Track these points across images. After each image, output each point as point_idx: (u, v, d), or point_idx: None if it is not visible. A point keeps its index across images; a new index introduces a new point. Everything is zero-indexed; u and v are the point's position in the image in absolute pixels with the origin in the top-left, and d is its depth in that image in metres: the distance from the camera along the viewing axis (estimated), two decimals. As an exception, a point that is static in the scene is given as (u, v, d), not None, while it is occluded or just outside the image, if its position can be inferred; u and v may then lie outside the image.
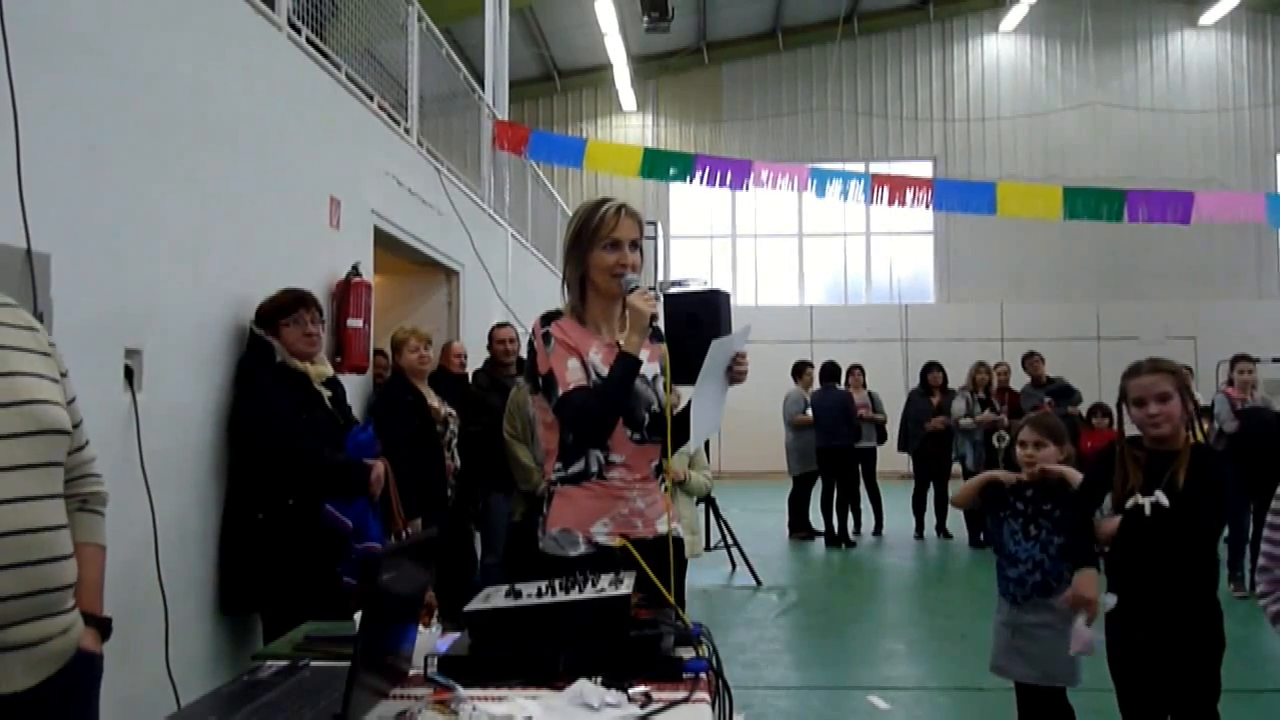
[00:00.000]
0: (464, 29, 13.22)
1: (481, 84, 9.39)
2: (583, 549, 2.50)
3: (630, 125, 19.25)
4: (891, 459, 11.07)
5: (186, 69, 3.69)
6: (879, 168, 16.87)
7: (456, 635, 2.07)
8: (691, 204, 18.90)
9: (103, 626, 1.83)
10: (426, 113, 7.09)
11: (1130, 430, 3.09)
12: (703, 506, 7.95)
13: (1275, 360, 12.97)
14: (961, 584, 8.20)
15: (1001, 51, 19.00)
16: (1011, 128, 18.71)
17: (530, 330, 2.63)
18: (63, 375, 1.81)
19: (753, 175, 9.91)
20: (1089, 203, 9.84)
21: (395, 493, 4.20)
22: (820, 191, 9.99)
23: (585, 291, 2.62)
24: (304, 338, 3.87)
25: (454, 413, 5.45)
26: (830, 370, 10.15)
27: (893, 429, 10.42)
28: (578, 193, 17.11)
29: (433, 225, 6.83)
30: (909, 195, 9.95)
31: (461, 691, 1.74)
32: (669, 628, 2.00)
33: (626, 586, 1.96)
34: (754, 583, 7.78)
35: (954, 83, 19.00)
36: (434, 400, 5.35)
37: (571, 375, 2.50)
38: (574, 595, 1.93)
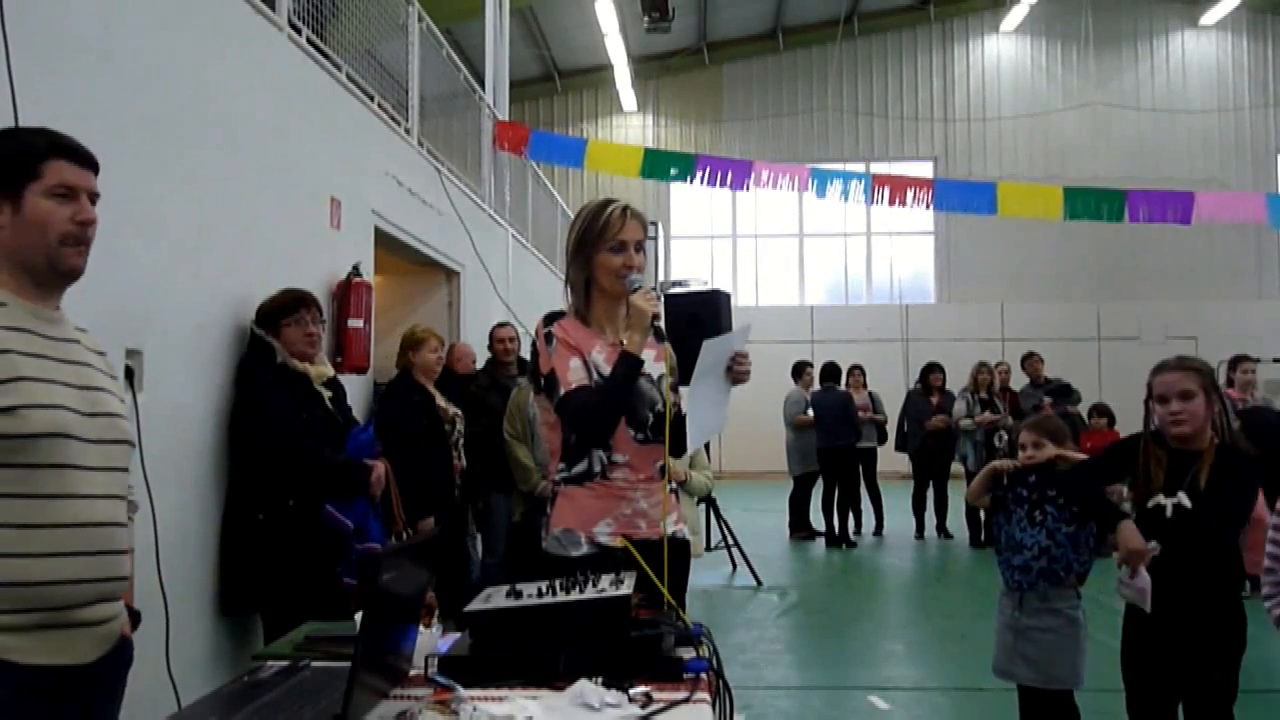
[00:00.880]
0: (464, 29, 13.23)
1: (482, 84, 9.40)
2: (585, 549, 2.50)
3: (631, 125, 19.26)
4: (892, 459, 11.07)
5: (187, 69, 3.69)
6: (879, 168, 16.87)
7: (457, 635, 2.07)
8: (692, 204, 18.90)
9: (134, 617, 2.06)
10: (427, 113, 7.09)
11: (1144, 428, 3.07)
12: (703, 507, 7.95)
13: (1276, 360, 12.95)
14: (962, 584, 8.20)
15: (1002, 51, 19.00)
16: (1012, 128, 18.71)
17: (533, 330, 2.63)
18: None
19: (753, 175, 9.90)
20: (1089, 203, 9.83)
21: (396, 493, 4.20)
22: (821, 192, 9.99)
23: (589, 292, 2.62)
24: (305, 338, 3.87)
25: (460, 413, 5.44)
26: (831, 370, 10.14)
27: (892, 429, 10.42)
28: (578, 193, 17.12)
29: (433, 225, 6.83)
30: (909, 195, 9.95)
31: (462, 692, 1.74)
32: (669, 628, 2.00)
33: (627, 587, 1.96)
34: (754, 583, 7.78)
35: (954, 83, 19.00)
36: (441, 400, 5.34)
37: (573, 375, 2.50)
38: (574, 595, 1.93)
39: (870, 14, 18.78)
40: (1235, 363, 7.42)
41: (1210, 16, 18.31)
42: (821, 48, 18.93)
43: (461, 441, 5.40)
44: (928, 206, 10.17)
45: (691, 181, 9.98)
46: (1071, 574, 3.38)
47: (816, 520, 10.07)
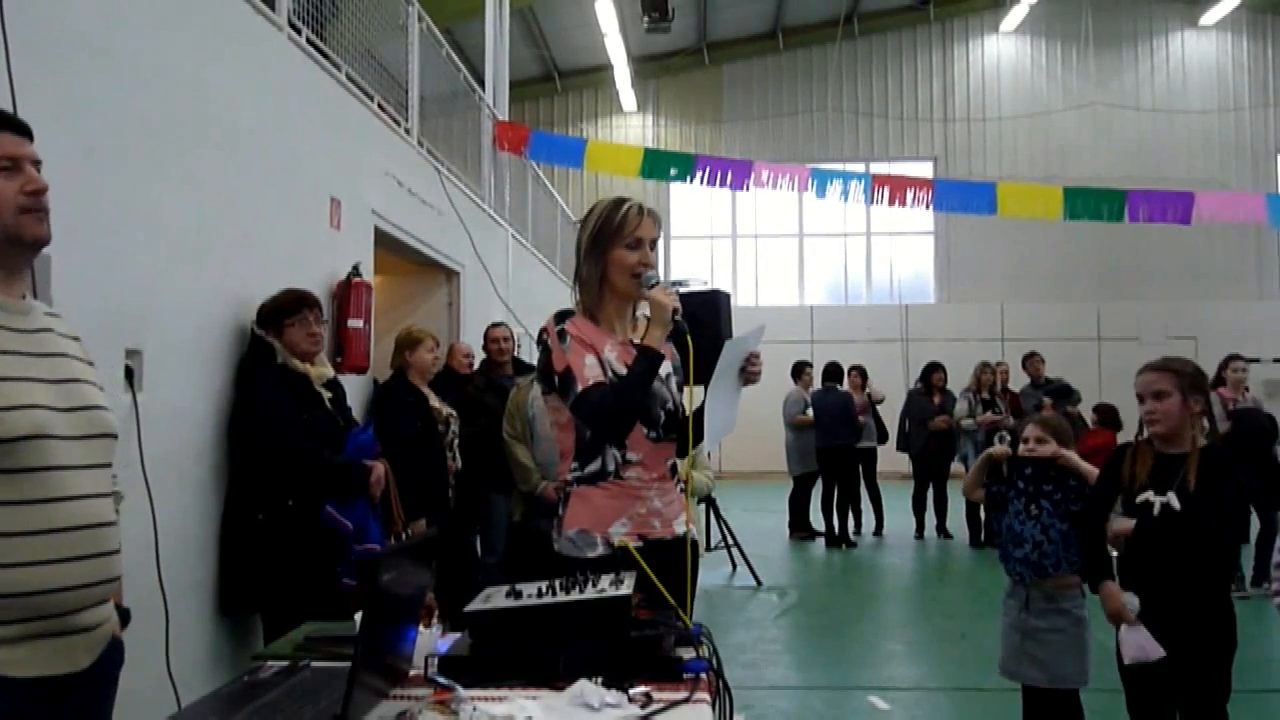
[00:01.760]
0: (464, 29, 13.23)
1: (482, 84, 9.40)
2: (600, 550, 2.48)
3: (630, 125, 19.25)
4: (892, 459, 11.07)
5: (187, 69, 3.69)
6: (879, 168, 16.87)
7: (457, 636, 2.07)
8: (692, 204, 18.89)
9: (124, 615, 2.00)
10: (427, 113, 7.09)
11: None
12: (704, 507, 7.95)
13: (1276, 360, 12.96)
14: (962, 584, 8.20)
15: (1002, 52, 19.00)
16: (1012, 128, 18.71)
17: (541, 329, 2.62)
18: None
19: (753, 175, 9.90)
20: (1089, 203, 9.83)
21: (395, 494, 4.20)
22: (820, 192, 9.99)
23: (601, 290, 2.60)
24: (308, 337, 3.87)
25: (454, 413, 5.44)
26: (833, 370, 10.14)
27: (892, 428, 10.41)
28: (578, 193, 17.12)
29: (433, 226, 6.83)
30: (909, 195, 9.95)
31: (462, 692, 1.74)
32: (669, 628, 2.00)
33: (627, 587, 1.96)
34: (754, 583, 7.78)
35: (954, 83, 19.00)
36: (435, 401, 5.34)
37: (589, 372, 2.48)
38: (574, 596, 1.93)
39: (870, 14, 18.78)
40: (1226, 362, 7.39)
41: (1210, 16, 18.30)
42: (821, 48, 18.93)
43: (456, 442, 5.40)
44: (928, 206, 10.18)
45: (691, 182, 9.99)
46: (1061, 571, 3.37)
47: (816, 520, 10.07)
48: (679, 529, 2.54)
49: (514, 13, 11.66)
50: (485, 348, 6.30)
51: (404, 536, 4.35)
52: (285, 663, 2.00)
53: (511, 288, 8.77)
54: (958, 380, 10.13)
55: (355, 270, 5.09)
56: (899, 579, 8.55)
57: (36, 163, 1.82)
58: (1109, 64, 18.68)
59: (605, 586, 1.96)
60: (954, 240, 18.33)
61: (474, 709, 1.65)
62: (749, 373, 2.55)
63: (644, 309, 2.63)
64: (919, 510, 10.20)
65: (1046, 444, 3.48)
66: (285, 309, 3.87)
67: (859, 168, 16.92)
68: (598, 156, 10.67)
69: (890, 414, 10.45)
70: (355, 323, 5.02)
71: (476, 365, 6.38)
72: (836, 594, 7.92)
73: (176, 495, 3.43)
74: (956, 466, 9.72)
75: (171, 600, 3.18)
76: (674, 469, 2.61)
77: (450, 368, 6.07)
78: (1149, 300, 17.66)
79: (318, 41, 5.08)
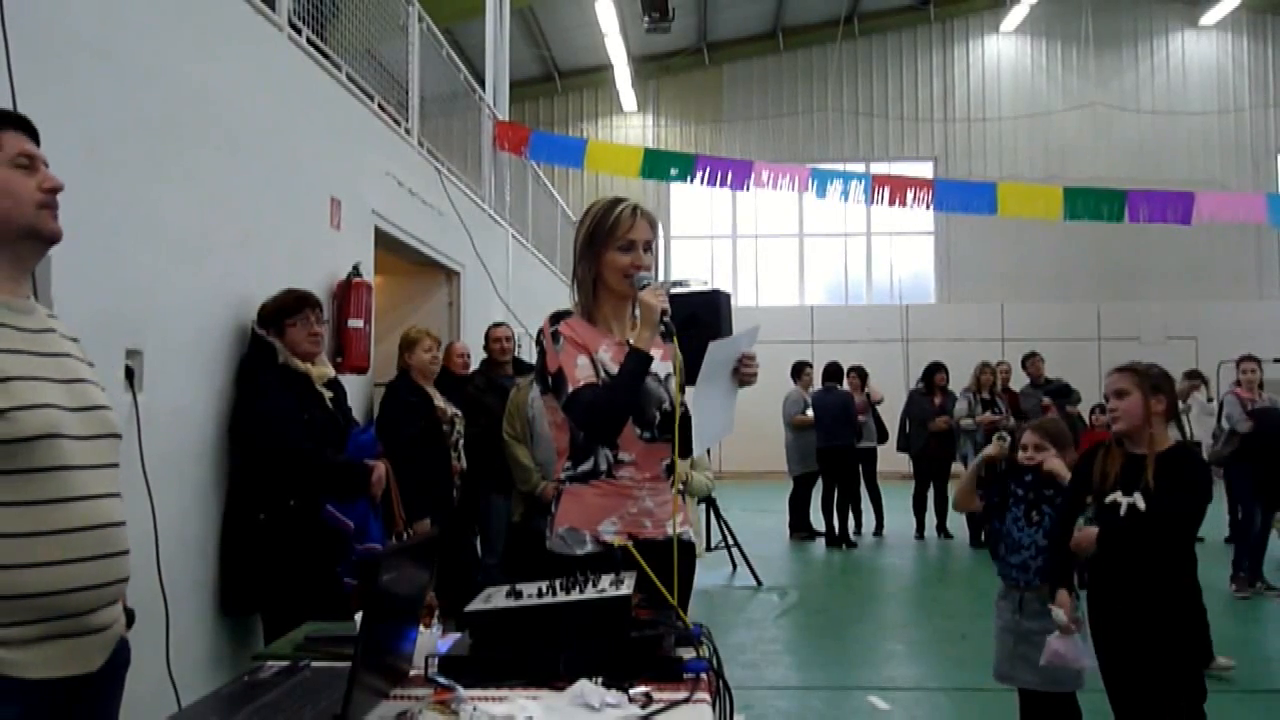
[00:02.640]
0: (464, 29, 13.23)
1: (482, 84, 9.40)
2: (590, 547, 2.49)
3: (631, 126, 19.26)
4: (892, 459, 11.07)
5: (187, 70, 3.69)
6: (879, 168, 16.88)
7: (457, 636, 2.07)
8: (692, 204, 18.90)
9: (129, 616, 1.99)
10: (427, 113, 7.09)
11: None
12: (703, 507, 7.95)
13: (1277, 360, 12.94)
14: (962, 584, 8.20)
15: (1002, 52, 19.00)
16: (1012, 128, 18.71)
17: (539, 330, 2.62)
18: None
19: (753, 176, 9.90)
20: (1089, 203, 9.83)
21: (396, 494, 4.20)
22: (821, 192, 9.99)
23: (597, 291, 2.61)
24: (309, 337, 3.88)
25: (460, 413, 5.44)
26: (833, 370, 10.14)
27: (892, 428, 10.41)
28: (578, 193, 17.12)
29: (433, 226, 6.83)
30: (909, 196, 9.95)
31: (462, 692, 1.74)
32: (669, 628, 2.00)
33: (627, 587, 1.96)
34: (754, 583, 7.78)
35: (954, 83, 19.00)
36: (440, 400, 5.34)
37: (580, 372, 2.49)
38: (575, 596, 1.93)
39: (870, 14, 18.78)
40: (1240, 363, 7.45)
41: (1210, 17, 18.30)
42: (821, 48, 18.93)
43: (461, 442, 5.40)
44: (928, 207, 10.17)
45: (691, 182, 9.99)
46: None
47: (816, 520, 10.07)
48: (670, 530, 2.54)
49: (514, 13, 11.66)
50: (486, 347, 6.30)
51: (405, 536, 4.35)
52: (285, 663, 2.00)
53: (511, 288, 8.77)
54: (958, 380, 10.14)
55: (355, 270, 5.10)
56: (899, 579, 8.54)
57: (45, 164, 1.83)
58: (1109, 64, 18.68)
59: (605, 586, 1.96)
60: (954, 240, 18.34)
61: (474, 709, 1.65)
62: (743, 374, 2.54)
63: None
64: (919, 510, 10.20)
65: (1045, 450, 3.48)
66: (286, 309, 3.87)
67: (859, 168, 16.94)
68: (598, 156, 10.67)
69: (890, 414, 10.45)
70: (355, 323, 5.03)
71: (474, 365, 6.38)
72: (837, 594, 7.91)
73: (177, 495, 3.43)
74: (956, 467, 9.72)
75: (172, 600, 3.18)
76: (669, 470, 2.61)
77: (446, 368, 6.07)
78: (1149, 300, 17.67)
79: (318, 42, 5.08)
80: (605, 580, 2.02)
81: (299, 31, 4.85)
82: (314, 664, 1.99)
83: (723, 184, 10.00)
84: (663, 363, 2.59)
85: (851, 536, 9.92)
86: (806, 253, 19.23)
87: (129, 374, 3.20)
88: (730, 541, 8.19)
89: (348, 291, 5.02)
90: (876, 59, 19.16)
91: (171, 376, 3.46)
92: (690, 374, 2.49)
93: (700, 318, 2.54)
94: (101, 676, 1.80)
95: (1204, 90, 18.66)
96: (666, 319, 2.50)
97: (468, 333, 7.22)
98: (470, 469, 5.52)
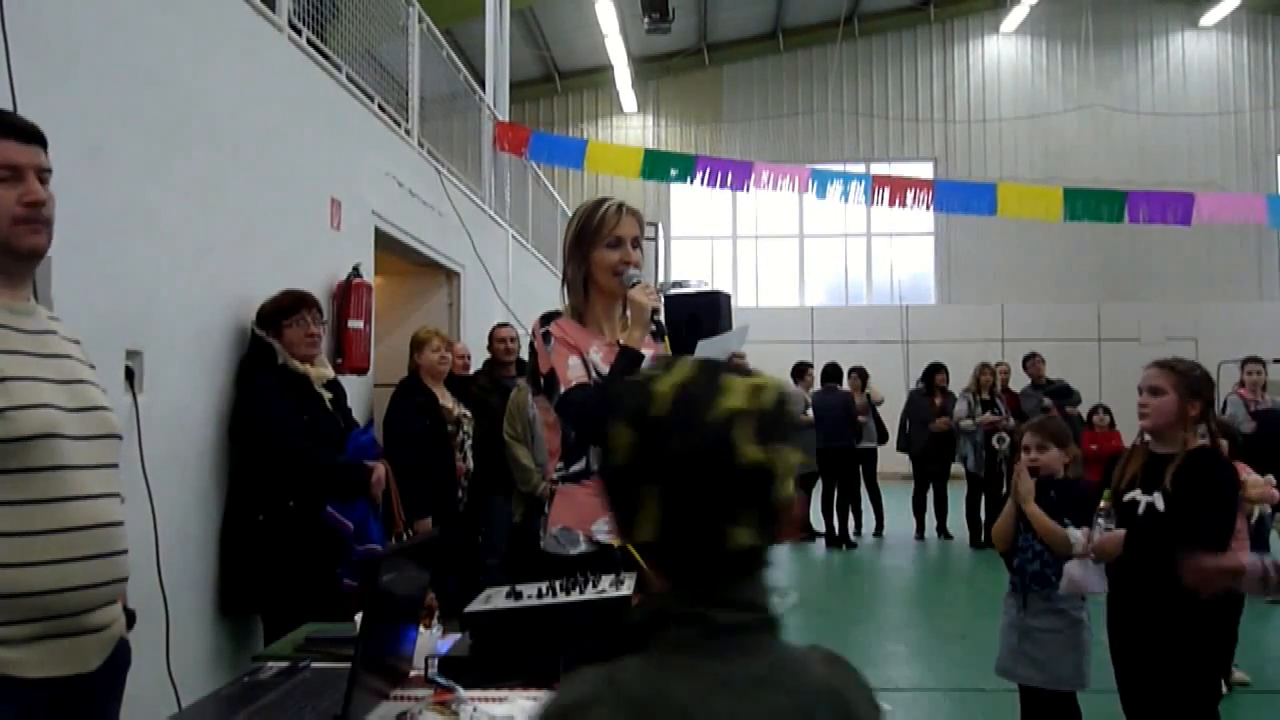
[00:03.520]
0: (464, 30, 13.23)
1: (482, 85, 9.40)
2: (583, 547, 2.49)
3: (631, 126, 19.25)
4: (892, 460, 11.06)
5: (187, 70, 3.69)
6: (879, 169, 16.88)
7: (457, 636, 2.07)
8: (692, 205, 18.90)
9: (130, 617, 1.99)
10: (427, 114, 7.09)
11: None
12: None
13: (1277, 361, 12.95)
14: (962, 585, 8.20)
15: (1002, 53, 19.00)
16: (1012, 129, 18.71)
17: (530, 331, 2.63)
18: None
19: (753, 176, 9.90)
20: (1089, 204, 9.83)
21: (396, 495, 4.20)
22: (821, 193, 9.99)
23: (588, 291, 2.61)
24: (306, 338, 3.87)
25: (468, 414, 5.43)
26: (832, 371, 10.14)
27: (892, 429, 10.41)
28: (578, 194, 17.11)
29: (433, 226, 6.83)
30: (910, 196, 9.95)
31: (462, 692, 1.74)
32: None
33: (627, 587, 1.96)
34: (754, 584, 7.77)
35: (954, 84, 19.00)
36: (447, 401, 5.33)
37: (572, 373, 2.49)
38: (574, 596, 1.93)
39: (870, 15, 18.78)
40: (1244, 364, 7.46)
41: (1210, 18, 18.30)
42: (821, 48, 18.93)
43: (469, 443, 5.39)
44: (928, 207, 10.18)
45: (691, 182, 9.99)
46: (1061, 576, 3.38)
47: (816, 521, 10.06)
48: None
49: (514, 13, 11.67)
50: (490, 348, 6.30)
51: (405, 537, 4.35)
52: (285, 663, 2.00)
53: (512, 288, 8.77)
54: (958, 381, 10.13)
55: (355, 271, 5.10)
56: (899, 580, 8.54)
57: (46, 171, 1.79)
58: (1109, 65, 18.68)
59: (605, 587, 1.97)
60: (954, 241, 18.34)
61: (474, 709, 1.65)
62: None
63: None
64: (919, 511, 10.19)
65: (1047, 450, 3.48)
66: (283, 310, 3.87)
67: (859, 168, 16.94)
68: (598, 157, 10.67)
69: (891, 415, 10.44)
70: (355, 324, 5.03)
71: (475, 366, 6.38)
72: (836, 595, 7.91)
73: (177, 496, 3.43)
74: (956, 468, 9.73)
75: (172, 601, 3.18)
76: None
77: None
78: (1149, 300, 17.66)
79: (318, 42, 5.08)
80: (605, 580, 2.02)
81: (299, 32, 4.85)
82: (314, 664, 1.99)
83: (723, 185, 10.00)
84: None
85: (851, 537, 9.92)
86: (806, 253, 19.23)
87: (129, 374, 3.20)
88: (730, 542, 8.18)
89: (348, 292, 5.02)
90: (876, 59, 19.16)
91: (171, 377, 3.46)
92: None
93: (701, 319, 2.53)
94: (101, 677, 1.80)
95: (1204, 91, 18.65)
96: (657, 317, 2.50)
97: (468, 333, 7.22)
98: (474, 469, 5.52)
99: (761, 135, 18.79)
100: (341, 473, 3.82)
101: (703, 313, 2.55)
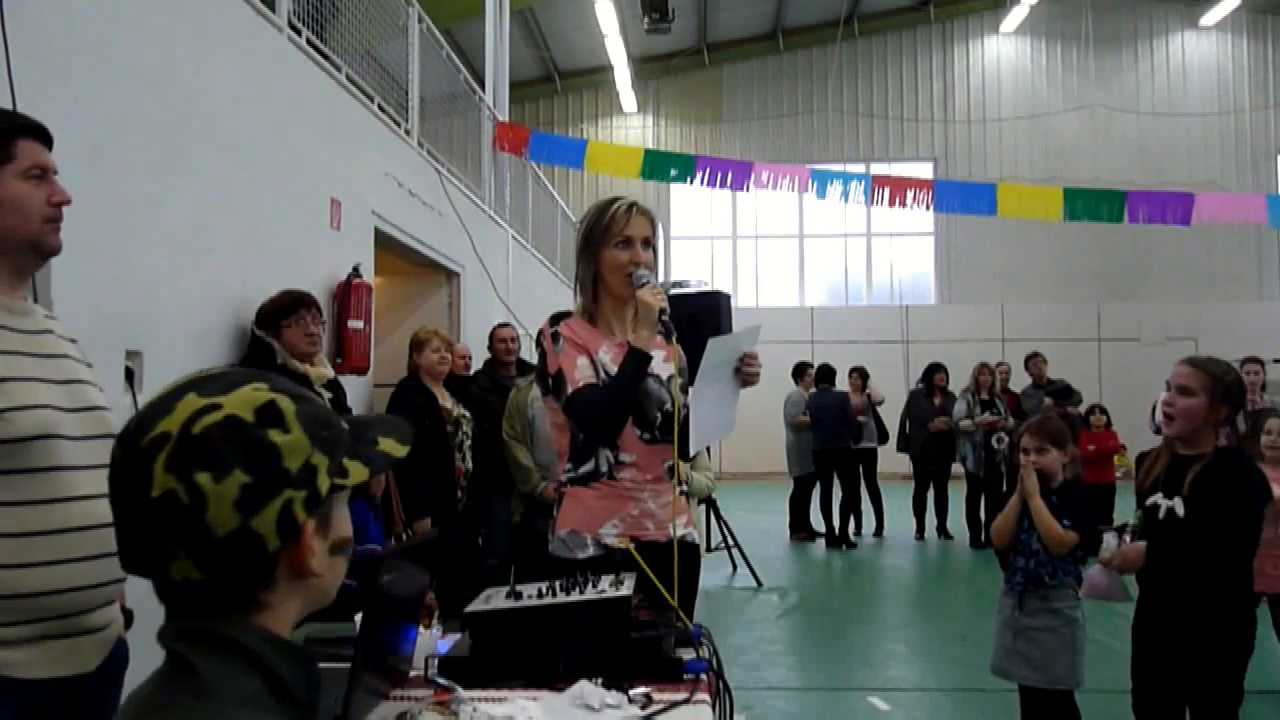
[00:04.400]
0: (464, 30, 13.23)
1: (482, 85, 9.40)
2: (591, 551, 2.47)
3: (631, 126, 19.25)
4: (892, 460, 11.06)
5: (187, 71, 3.69)
6: (879, 169, 16.88)
7: (457, 637, 2.07)
8: (692, 205, 18.90)
9: (128, 617, 1.99)
10: (427, 114, 7.09)
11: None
12: (704, 508, 7.95)
13: (1277, 361, 12.95)
14: (962, 585, 8.20)
15: (1002, 53, 19.00)
16: (1012, 129, 18.71)
17: (538, 331, 2.62)
18: None
19: (753, 176, 9.91)
20: (1089, 204, 9.83)
21: (396, 494, 4.20)
22: (821, 193, 9.99)
23: (597, 291, 2.59)
24: (306, 338, 3.88)
25: (468, 414, 5.42)
26: (827, 372, 10.13)
27: (892, 429, 10.41)
28: (578, 194, 17.12)
29: (433, 227, 6.83)
30: (909, 196, 9.95)
31: (462, 693, 1.74)
32: (669, 629, 2.00)
33: (627, 588, 1.95)
34: (755, 584, 7.78)
35: (954, 84, 19.00)
36: (446, 401, 5.33)
37: (580, 373, 2.47)
38: (574, 597, 1.92)
39: (870, 15, 18.78)
40: (1242, 364, 7.47)
41: (1210, 17, 18.31)
42: (821, 48, 18.93)
43: (468, 444, 5.39)
44: (928, 208, 10.17)
45: (691, 182, 9.99)
46: (1058, 580, 3.37)
47: (816, 521, 10.06)
48: (673, 532, 2.52)
49: (514, 13, 11.67)
50: (491, 348, 6.29)
51: (405, 537, 4.35)
52: (285, 663, 1.99)
53: (511, 288, 8.77)
54: (958, 381, 10.13)
55: (355, 271, 5.10)
56: (899, 580, 8.54)
57: (55, 172, 1.83)
58: (1109, 65, 18.68)
59: (605, 587, 1.96)
60: (954, 241, 18.34)
61: (474, 710, 1.65)
62: (745, 374, 2.53)
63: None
64: (919, 511, 10.19)
65: (1046, 452, 3.47)
66: (282, 310, 3.87)
67: (859, 169, 16.94)
68: (598, 157, 10.67)
69: (891, 415, 10.44)
70: (355, 324, 5.03)
71: (475, 366, 6.37)
72: (837, 595, 7.91)
73: (177, 496, 3.42)
74: (956, 468, 9.73)
75: (172, 601, 3.18)
76: (672, 471, 2.59)
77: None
78: (1149, 300, 17.67)
79: (318, 43, 5.08)
80: (605, 581, 2.02)
81: (299, 32, 4.86)
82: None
83: (723, 185, 10.00)
84: (665, 364, 2.58)
85: (851, 537, 9.92)
86: (806, 253, 19.23)
87: (129, 375, 3.20)
88: (731, 542, 8.19)
89: (348, 292, 5.02)
90: (876, 59, 19.16)
91: (171, 377, 3.40)
92: (691, 375, 2.48)
93: (701, 319, 2.53)
94: (99, 677, 1.80)
95: (1204, 91, 18.66)
96: (665, 317, 2.48)
97: (468, 334, 7.22)
98: (475, 470, 5.52)
99: (761, 135, 18.79)
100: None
101: (703, 313, 2.56)
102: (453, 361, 6.13)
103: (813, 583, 8.39)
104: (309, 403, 1.01)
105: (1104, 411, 9.34)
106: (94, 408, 1.84)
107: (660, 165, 10.25)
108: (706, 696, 1.80)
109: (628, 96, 18.45)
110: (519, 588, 2.01)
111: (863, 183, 10.10)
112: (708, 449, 6.43)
